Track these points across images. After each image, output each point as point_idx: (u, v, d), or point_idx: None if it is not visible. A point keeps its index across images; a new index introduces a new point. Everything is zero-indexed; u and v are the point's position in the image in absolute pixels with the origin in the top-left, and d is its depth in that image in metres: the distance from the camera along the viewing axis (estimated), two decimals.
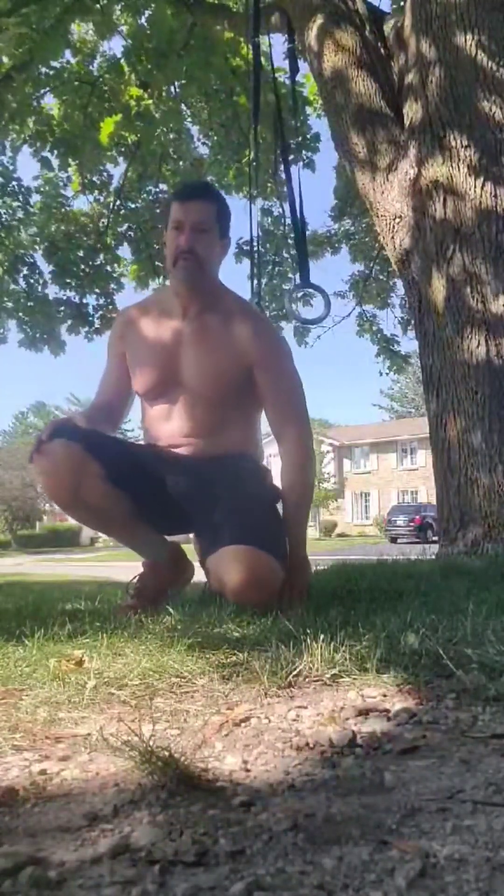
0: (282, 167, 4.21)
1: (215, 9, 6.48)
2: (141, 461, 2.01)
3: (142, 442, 2.21)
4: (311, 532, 32.47)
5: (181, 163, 9.34)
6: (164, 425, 2.03)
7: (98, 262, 9.74)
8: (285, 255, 9.84)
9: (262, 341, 2.02)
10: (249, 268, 3.97)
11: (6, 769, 0.82)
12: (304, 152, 9.01)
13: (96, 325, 9.81)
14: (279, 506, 2.03)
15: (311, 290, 3.90)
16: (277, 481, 2.06)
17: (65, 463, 1.85)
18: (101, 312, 9.84)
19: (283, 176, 4.10)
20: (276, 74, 6.83)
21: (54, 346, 9.76)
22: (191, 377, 1.99)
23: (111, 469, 1.90)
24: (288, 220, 10.29)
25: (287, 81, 6.52)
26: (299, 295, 4.35)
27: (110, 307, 9.95)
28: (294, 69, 4.80)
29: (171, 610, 1.67)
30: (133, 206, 9.88)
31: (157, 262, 9.48)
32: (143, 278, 9.56)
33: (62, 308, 9.64)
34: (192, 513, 2.05)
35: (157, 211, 9.08)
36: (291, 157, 8.82)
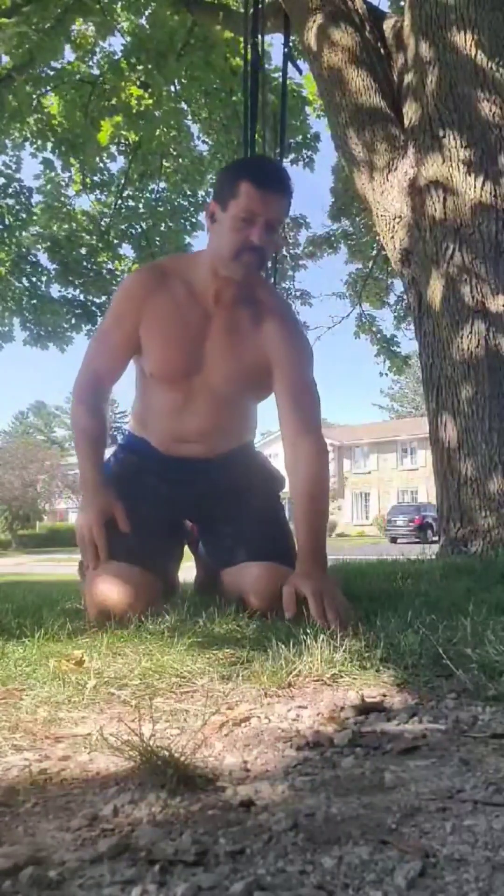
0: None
1: (215, 8, 6.48)
2: (144, 513, 1.87)
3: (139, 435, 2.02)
4: None
5: (181, 160, 9.37)
6: (175, 420, 1.91)
7: (100, 261, 9.80)
8: (284, 252, 9.88)
9: (290, 345, 1.90)
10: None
11: (6, 769, 0.82)
12: (304, 151, 9.03)
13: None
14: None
15: None
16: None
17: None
18: (104, 310, 9.90)
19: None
20: (275, 74, 6.82)
21: (60, 342, 9.83)
22: (215, 372, 1.86)
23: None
24: (288, 221, 10.32)
25: (290, 81, 6.52)
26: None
27: None
28: (286, 72, 4.80)
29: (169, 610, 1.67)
30: (134, 204, 9.91)
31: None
32: None
33: (66, 307, 9.71)
34: (202, 519, 2.04)
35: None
36: (292, 156, 8.85)
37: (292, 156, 8.93)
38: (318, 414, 1.92)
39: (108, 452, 2.05)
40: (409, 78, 3.72)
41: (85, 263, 9.77)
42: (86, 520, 1.83)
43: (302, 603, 1.59)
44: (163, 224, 9.82)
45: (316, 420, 1.90)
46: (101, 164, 9.36)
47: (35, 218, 9.55)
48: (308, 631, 1.32)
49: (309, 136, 8.95)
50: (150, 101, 7.86)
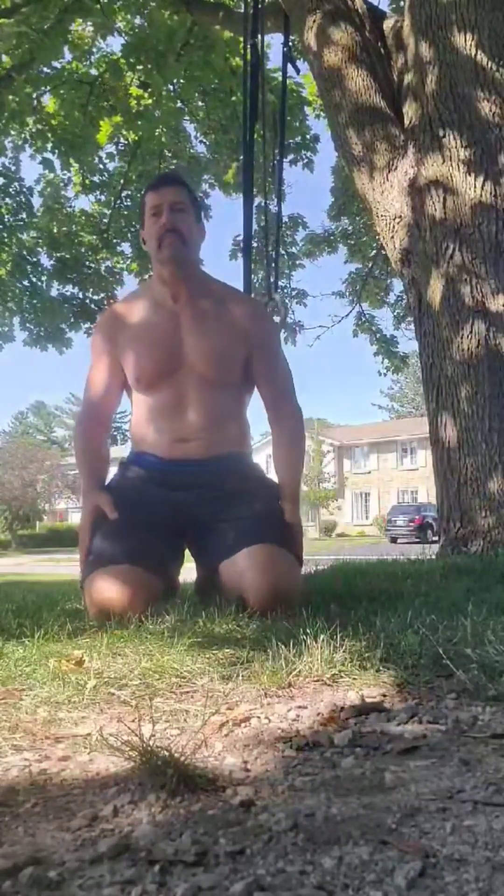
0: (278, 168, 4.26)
1: (214, 8, 6.48)
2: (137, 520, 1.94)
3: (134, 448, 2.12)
4: (311, 532, 32.54)
5: (176, 161, 9.37)
6: (173, 419, 1.99)
7: (99, 258, 9.78)
8: (282, 252, 9.89)
9: (260, 322, 2.13)
10: (243, 268, 3.95)
11: (6, 769, 0.82)
12: (303, 152, 9.02)
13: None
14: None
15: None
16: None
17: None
18: (103, 307, 9.89)
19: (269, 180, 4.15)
20: (275, 74, 6.82)
21: (59, 344, 9.81)
22: (197, 359, 1.98)
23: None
24: (286, 220, 10.33)
25: (290, 81, 6.52)
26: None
27: (112, 302, 9.99)
28: (286, 72, 4.79)
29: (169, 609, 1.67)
30: (132, 204, 9.91)
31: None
32: (143, 272, 9.63)
33: (65, 305, 9.69)
34: (203, 521, 2.04)
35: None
36: (292, 156, 8.85)
37: (292, 156, 8.92)
38: (292, 381, 2.16)
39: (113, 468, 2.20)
40: (409, 78, 3.72)
41: (87, 262, 9.77)
42: (80, 519, 2.04)
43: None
44: None
45: (292, 386, 2.15)
46: (101, 165, 9.36)
47: (35, 221, 9.54)
48: (308, 631, 1.32)
49: (308, 136, 8.94)
50: (150, 101, 7.86)
